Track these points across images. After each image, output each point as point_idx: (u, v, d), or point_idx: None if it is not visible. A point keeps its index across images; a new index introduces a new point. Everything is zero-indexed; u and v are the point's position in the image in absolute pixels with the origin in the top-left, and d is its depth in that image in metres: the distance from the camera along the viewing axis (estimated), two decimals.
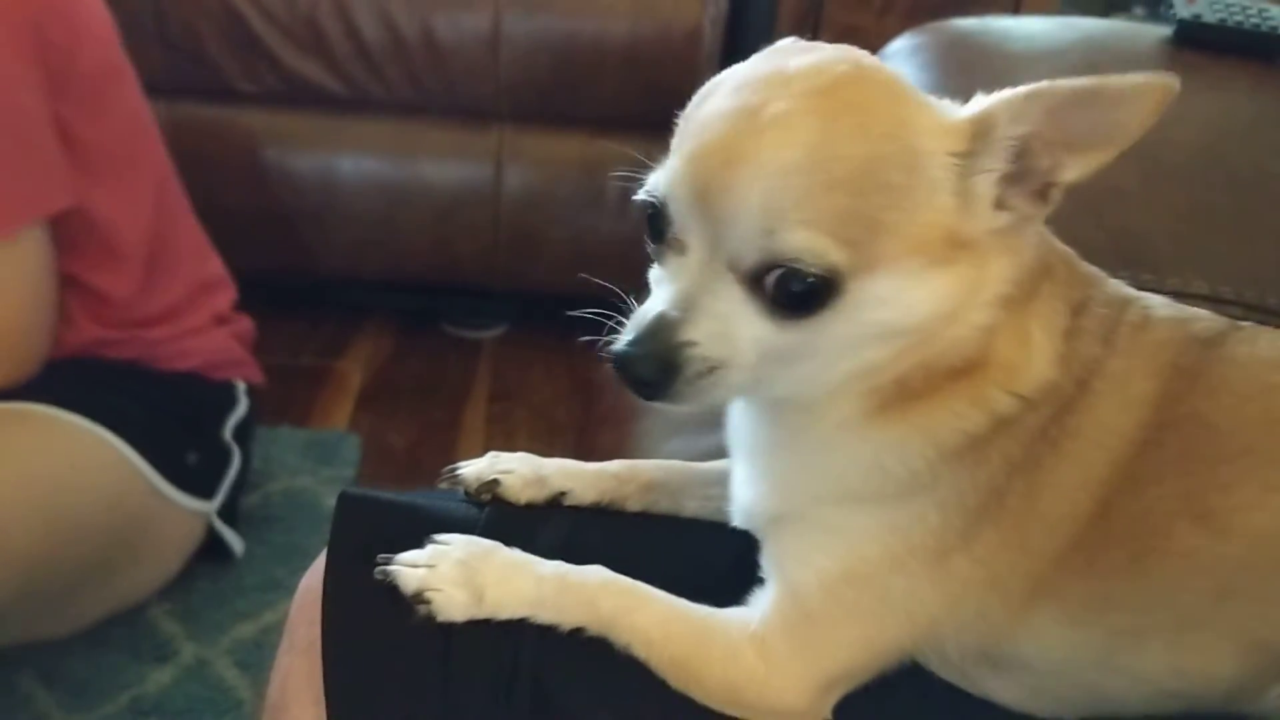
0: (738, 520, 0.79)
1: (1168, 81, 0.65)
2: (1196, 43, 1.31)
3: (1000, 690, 0.77)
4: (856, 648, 0.73)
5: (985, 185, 0.68)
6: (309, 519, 1.97)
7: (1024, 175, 0.68)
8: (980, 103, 0.69)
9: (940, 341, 0.70)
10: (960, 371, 0.70)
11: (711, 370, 0.66)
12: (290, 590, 0.89)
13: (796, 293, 0.64)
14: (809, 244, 0.63)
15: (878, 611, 0.72)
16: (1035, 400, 0.70)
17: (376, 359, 2.51)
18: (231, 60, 2.24)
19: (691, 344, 0.66)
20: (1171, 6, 1.34)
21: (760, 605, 0.75)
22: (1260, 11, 1.30)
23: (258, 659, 1.68)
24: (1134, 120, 0.66)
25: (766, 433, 0.77)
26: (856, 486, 0.73)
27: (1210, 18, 1.30)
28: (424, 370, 2.48)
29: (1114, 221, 1.09)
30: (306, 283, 2.55)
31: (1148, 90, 0.65)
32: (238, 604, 1.80)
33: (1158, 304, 0.77)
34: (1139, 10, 2.97)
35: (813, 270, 0.64)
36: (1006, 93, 0.68)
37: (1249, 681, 0.71)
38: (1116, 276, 1.03)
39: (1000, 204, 0.69)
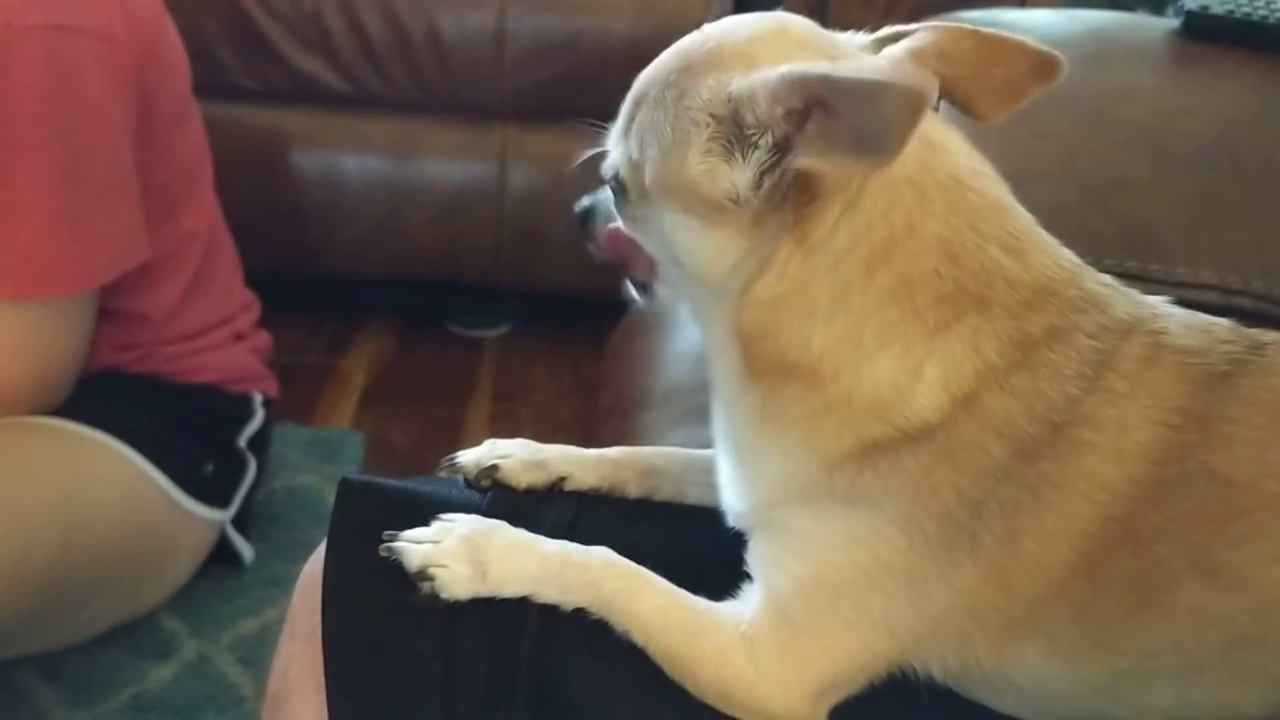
0: (729, 520, 0.78)
1: (915, 86, 0.58)
2: (1204, 34, 1.30)
3: (999, 704, 0.76)
4: (840, 656, 0.72)
5: (738, 157, 0.67)
6: (312, 516, 1.96)
7: (785, 161, 0.66)
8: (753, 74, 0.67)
9: (741, 315, 0.70)
10: (790, 371, 0.69)
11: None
12: (293, 587, 0.88)
13: (612, 191, 0.77)
14: (614, 155, 0.75)
15: (858, 623, 0.71)
16: (914, 434, 0.68)
17: (380, 357, 2.50)
18: (236, 57, 2.24)
19: None
20: None
21: (750, 604, 0.74)
22: (1268, 3, 1.29)
23: (260, 655, 1.67)
24: (893, 123, 0.59)
25: (725, 434, 0.78)
26: (786, 488, 0.73)
27: (1218, 9, 1.29)
28: (427, 368, 2.48)
29: (1122, 211, 1.09)
30: (310, 280, 2.54)
31: (889, 93, 0.58)
32: (240, 601, 1.79)
33: (1175, 327, 0.72)
34: (1142, 10, 2.97)
35: (609, 174, 0.76)
36: (775, 68, 0.65)
37: (1276, 711, 0.69)
38: (1125, 266, 1.03)
39: (758, 185, 0.67)
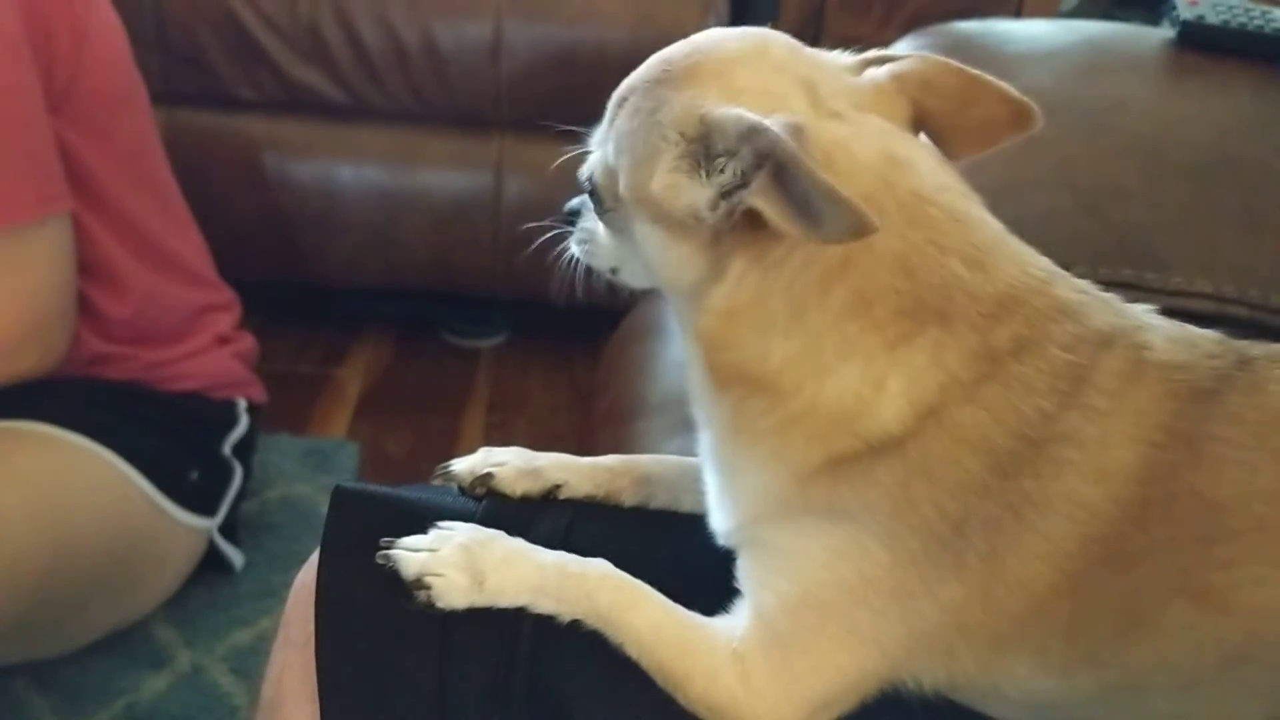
0: (719, 539, 0.78)
1: (867, 220, 0.61)
2: (1199, 44, 1.31)
3: (991, 711, 0.75)
4: (831, 674, 0.71)
5: (702, 176, 0.68)
6: (306, 527, 1.95)
7: (739, 194, 0.67)
8: (730, 105, 0.68)
9: (699, 322, 0.71)
10: (755, 384, 0.70)
11: (584, 231, 0.84)
12: (287, 596, 0.88)
13: (588, 194, 0.80)
14: (593, 157, 0.78)
15: (847, 641, 0.71)
16: (881, 446, 0.68)
17: (375, 367, 2.50)
18: (232, 67, 2.24)
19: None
20: (1174, 8, 1.33)
21: (740, 621, 0.73)
22: (1264, 13, 1.30)
23: (254, 666, 1.66)
24: (833, 231, 0.63)
25: (709, 452, 0.77)
26: (765, 503, 0.72)
27: (1213, 19, 1.30)
28: (423, 379, 2.47)
29: (1117, 219, 1.09)
30: (306, 290, 2.54)
31: (846, 214, 0.61)
32: (234, 611, 1.78)
33: (1158, 340, 0.71)
34: (1137, 21, 2.98)
35: (584, 177, 0.79)
36: (751, 113, 0.66)
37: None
38: (1119, 275, 1.04)
39: (714, 206, 0.68)
